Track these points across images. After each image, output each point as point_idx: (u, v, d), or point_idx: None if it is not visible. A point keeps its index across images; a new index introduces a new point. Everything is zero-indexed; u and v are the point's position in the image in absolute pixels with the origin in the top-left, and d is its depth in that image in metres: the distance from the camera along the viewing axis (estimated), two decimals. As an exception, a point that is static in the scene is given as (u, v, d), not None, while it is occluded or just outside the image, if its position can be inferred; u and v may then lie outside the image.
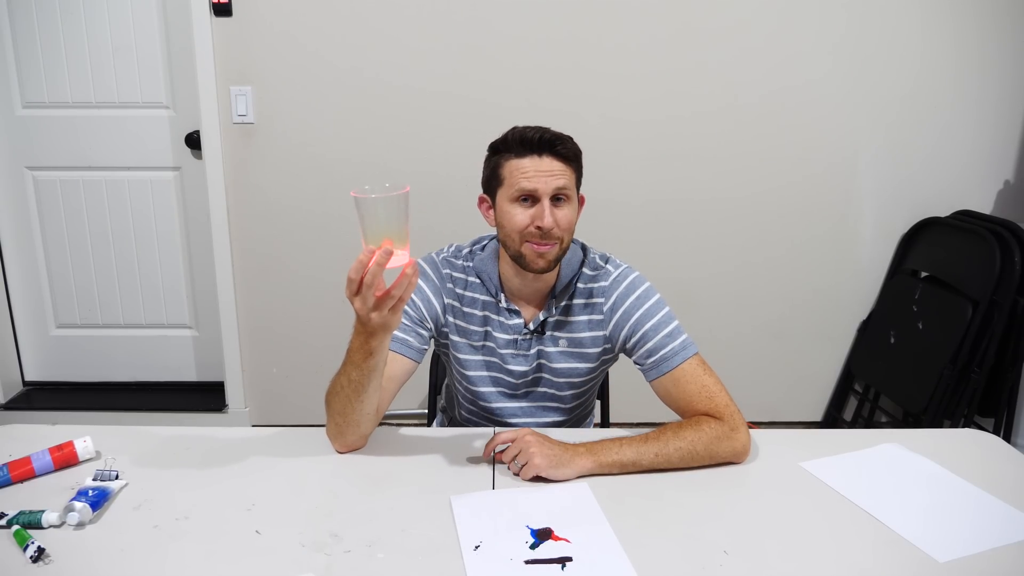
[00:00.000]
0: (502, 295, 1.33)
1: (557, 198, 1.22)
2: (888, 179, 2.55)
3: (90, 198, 2.64)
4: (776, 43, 2.41)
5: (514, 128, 1.25)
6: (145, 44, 2.49)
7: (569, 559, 0.96)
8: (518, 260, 1.26)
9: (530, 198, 1.22)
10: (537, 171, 1.21)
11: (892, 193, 2.56)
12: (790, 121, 2.48)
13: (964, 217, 2.48)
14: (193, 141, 2.54)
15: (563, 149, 1.22)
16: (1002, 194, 2.57)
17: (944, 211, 2.54)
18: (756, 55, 2.42)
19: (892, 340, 2.50)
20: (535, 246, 1.23)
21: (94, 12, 2.46)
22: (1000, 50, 2.44)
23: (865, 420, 2.66)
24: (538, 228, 1.21)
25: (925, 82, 2.47)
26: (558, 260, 1.27)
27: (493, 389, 1.38)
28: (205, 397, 2.77)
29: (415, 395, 2.41)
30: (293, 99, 2.42)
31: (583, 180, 1.30)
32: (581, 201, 1.31)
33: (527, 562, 0.95)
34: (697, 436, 1.17)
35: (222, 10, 2.33)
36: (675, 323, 1.28)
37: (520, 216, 1.23)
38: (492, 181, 1.27)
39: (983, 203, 2.56)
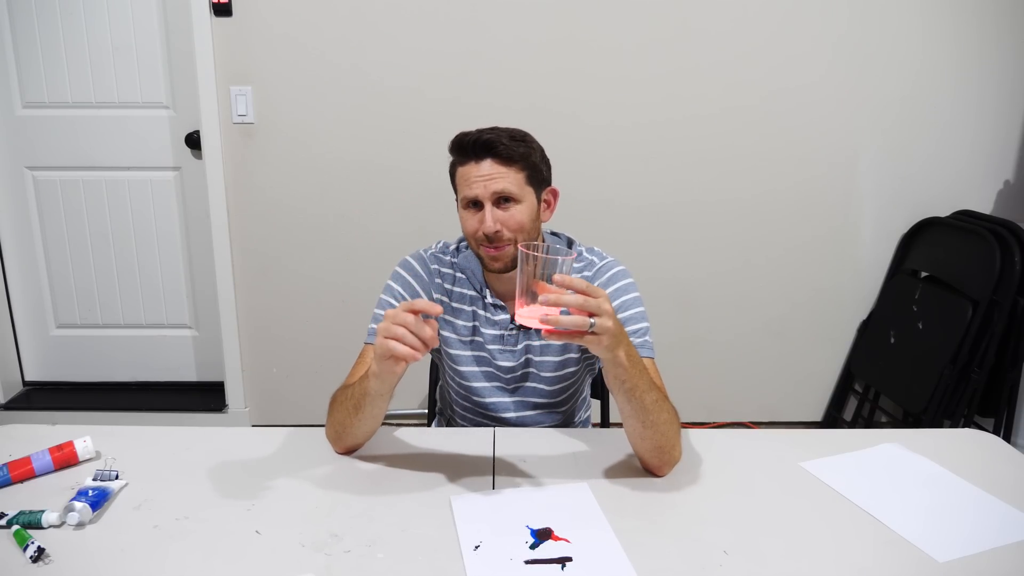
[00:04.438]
0: (487, 291, 1.34)
1: (504, 199, 1.22)
2: (888, 179, 2.55)
3: (90, 198, 2.64)
4: (776, 44, 2.41)
5: (459, 133, 1.24)
6: (145, 44, 2.49)
7: (569, 559, 0.95)
8: (481, 261, 1.29)
9: (476, 203, 1.23)
10: (477, 176, 1.22)
11: (892, 193, 2.56)
12: (790, 122, 2.48)
13: (964, 217, 2.48)
14: (193, 141, 2.54)
15: (504, 151, 1.20)
16: (1002, 194, 2.57)
17: (944, 211, 2.54)
18: (756, 56, 2.41)
19: (892, 340, 2.50)
20: (487, 250, 1.24)
21: (94, 12, 2.46)
22: (1000, 50, 2.44)
23: (865, 420, 2.66)
24: (484, 234, 1.22)
25: (925, 82, 2.47)
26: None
27: (486, 384, 1.38)
28: (205, 397, 2.77)
29: (415, 395, 2.41)
30: (293, 99, 2.43)
31: (553, 174, 1.29)
32: (555, 195, 1.32)
33: (527, 562, 0.95)
34: (671, 418, 1.14)
35: (222, 10, 2.33)
36: (644, 324, 1.28)
37: (469, 222, 1.25)
38: (452, 185, 1.30)
39: (983, 203, 2.56)
